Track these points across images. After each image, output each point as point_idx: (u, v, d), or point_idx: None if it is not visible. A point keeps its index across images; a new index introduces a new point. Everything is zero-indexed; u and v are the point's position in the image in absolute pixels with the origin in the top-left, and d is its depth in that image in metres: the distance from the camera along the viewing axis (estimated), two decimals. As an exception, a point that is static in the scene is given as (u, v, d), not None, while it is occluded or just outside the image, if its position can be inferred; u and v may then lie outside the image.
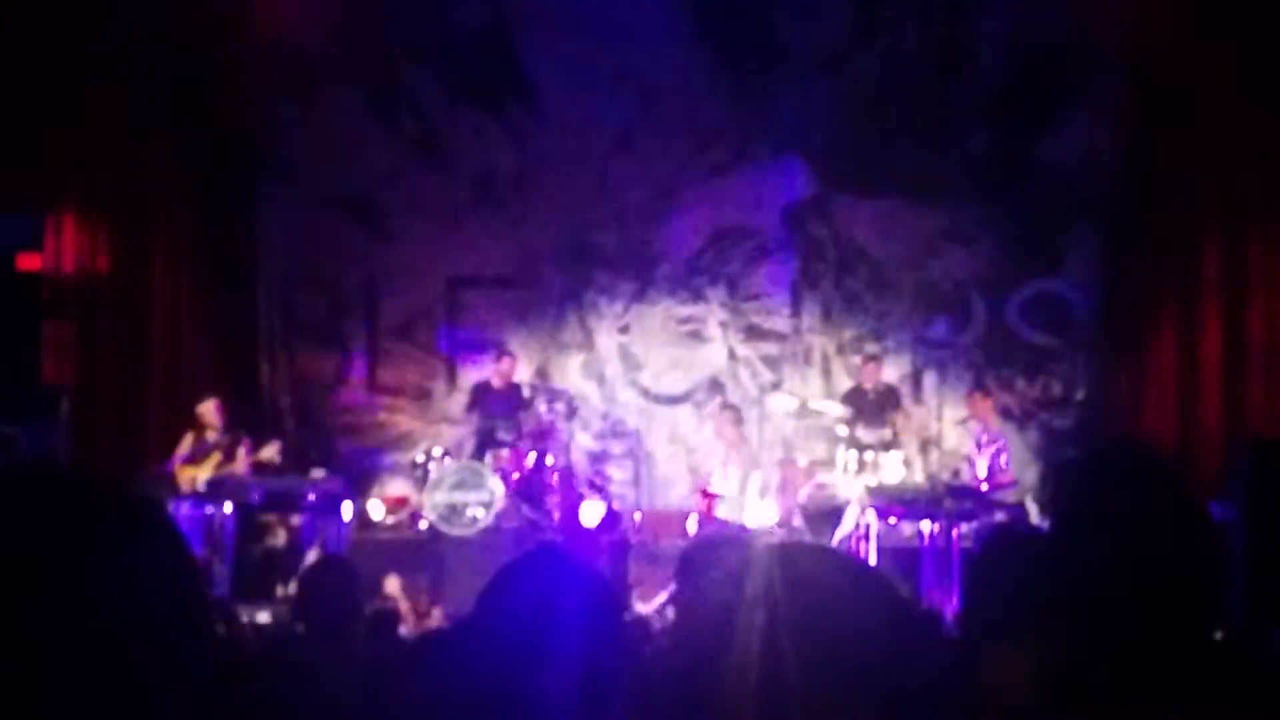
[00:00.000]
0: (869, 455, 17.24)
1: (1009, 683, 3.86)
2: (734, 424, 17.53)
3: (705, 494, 16.99)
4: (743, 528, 16.60)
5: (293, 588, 14.08)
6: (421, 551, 16.62)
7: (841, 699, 2.21)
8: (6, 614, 1.98)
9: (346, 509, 16.61)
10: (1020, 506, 16.10)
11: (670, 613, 9.61)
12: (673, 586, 6.50)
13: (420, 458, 17.79)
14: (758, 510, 16.91)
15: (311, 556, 14.57)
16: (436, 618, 14.33)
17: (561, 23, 19.23)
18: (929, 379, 18.99)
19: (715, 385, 19.26)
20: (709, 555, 5.54)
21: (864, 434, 17.57)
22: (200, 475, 16.30)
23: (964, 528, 15.54)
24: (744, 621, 2.23)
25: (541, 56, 19.31)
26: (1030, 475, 17.16)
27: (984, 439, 17.14)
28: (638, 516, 17.88)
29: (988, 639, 4.08)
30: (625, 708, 2.62)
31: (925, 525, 15.89)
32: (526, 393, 18.24)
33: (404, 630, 13.00)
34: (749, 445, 17.64)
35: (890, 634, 2.25)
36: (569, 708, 2.61)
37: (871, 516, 16.04)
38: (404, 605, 14.50)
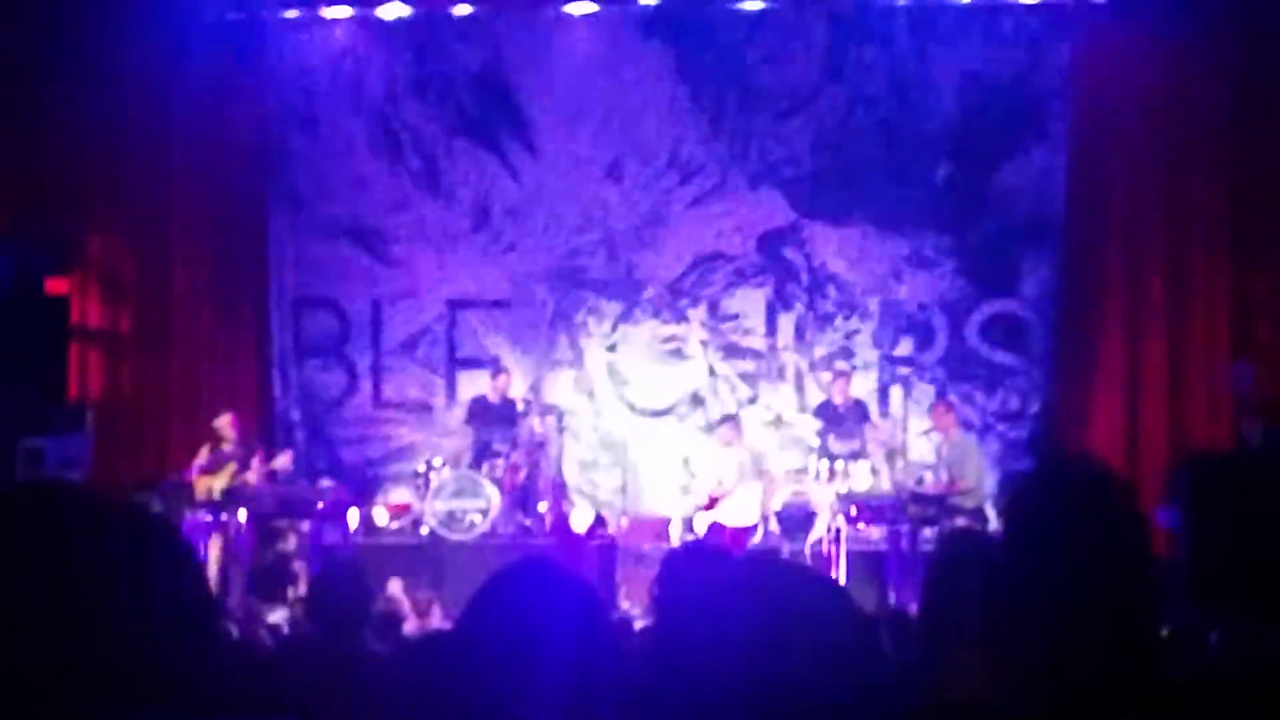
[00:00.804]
0: (839, 465, 17.25)
1: (967, 682, 3.86)
2: (737, 433, 17.63)
3: (711, 499, 17.05)
4: (720, 539, 16.62)
5: (303, 589, 14.09)
6: (422, 555, 16.59)
7: (813, 701, 2.21)
8: (21, 620, 1.97)
9: (353, 516, 16.60)
10: (980, 511, 16.11)
11: (649, 618, 9.60)
12: (654, 591, 6.48)
13: (421, 468, 17.76)
14: (746, 513, 16.98)
15: (320, 562, 14.59)
16: (437, 616, 14.32)
17: (553, 64, 19.27)
18: (895, 394, 18.98)
19: (696, 400, 19.26)
20: (688, 567, 5.54)
21: (835, 445, 17.58)
22: (216, 485, 16.30)
23: (927, 532, 15.54)
24: (722, 631, 2.23)
25: (535, 94, 19.33)
26: (989, 483, 17.15)
27: (943, 448, 17.17)
28: (624, 522, 17.86)
29: (945, 640, 4.08)
30: (612, 713, 2.61)
31: (891, 530, 15.90)
32: (520, 407, 18.23)
33: (407, 629, 12.99)
34: (748, 452, 17.68)
35: (857, 641, 2.26)
36: (556, 713, 2.60)
37: (841, 522, 16.05)
38: (406, 606, 14.48)
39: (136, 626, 2.00)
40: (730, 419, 17.99)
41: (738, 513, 17.05)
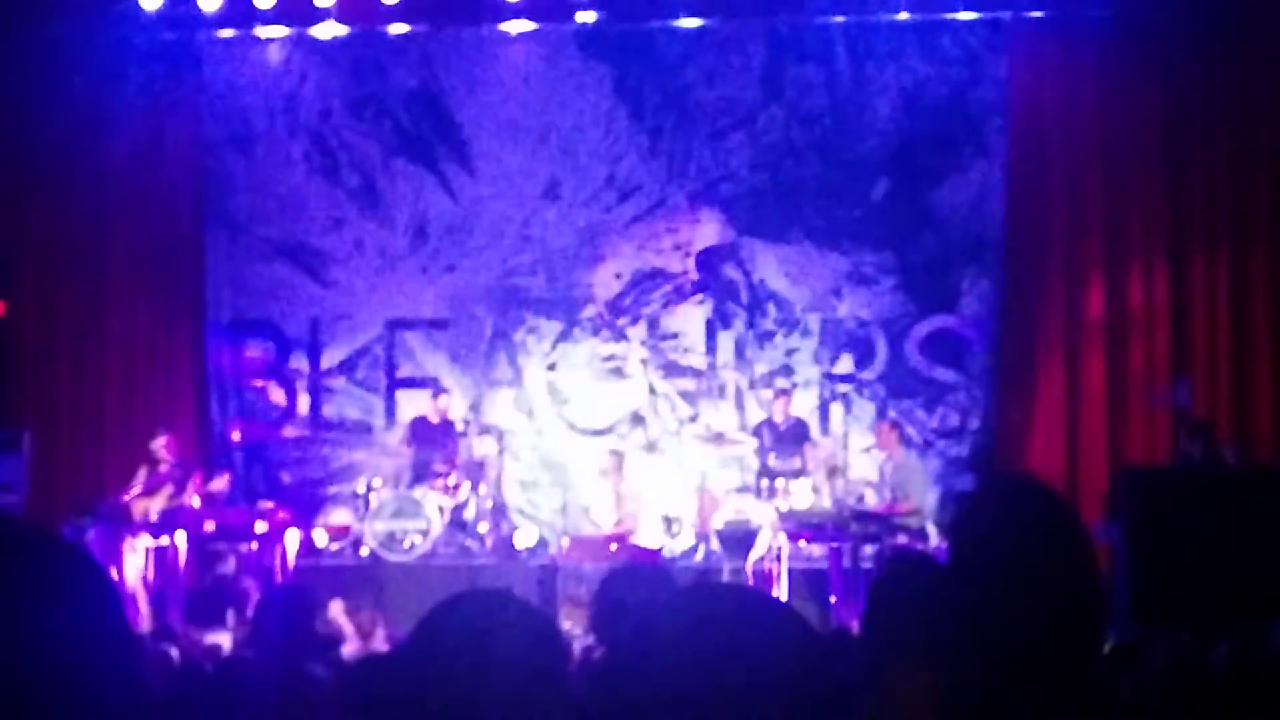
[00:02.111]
0: (780, 483, 17.28)
1: (910, 701, 3.89)
2: (617, 466, 17.66)
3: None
4: (658, 558, 16.69)
5: (245, 614, 14.03)
6: (363, 577, 16.56)
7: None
8: None
9: (292, 537, 16.54)
10: (921, 530, 16.18)
11: (588, 637, 9.60)
12: (591, 612, 6.49)
13: (361, 489, 17.73)
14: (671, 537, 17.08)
15: (259, 584, 14.53)
16: (380, 638, 14.27)
17: (490, 82, 19.28)
18: (836, 411, 19.04)
19: (636, 418, 19.28)
20: (626, 587, 5.55)
21: (775, 463, 17.61)
22: (154, 507, 16.23)
23: (869, 549, 15.59)
24: (662, 651, 2.24)
25: (472, 113, 19.34)
26: (930, 500, 17.22)
27: (887, 467, 17.24)
28: (565, 542, 17.85)
29: (889, 659, 4.11)
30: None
31: (833, 548, 15.94)
32: (460, 427, 18.23)
33: (347, 651, 12.94)
34: (628, 484, 17.74)
35: (799, 660, 2.26)
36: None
37: (783, 540, 16.08)
38: (348, 628, 14.43)
39: (46, 662, 1.96)
40: (616, 453, 18.01)
41: (645, 538, 17.18)
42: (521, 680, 2.60)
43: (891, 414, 18.45)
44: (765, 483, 17.35)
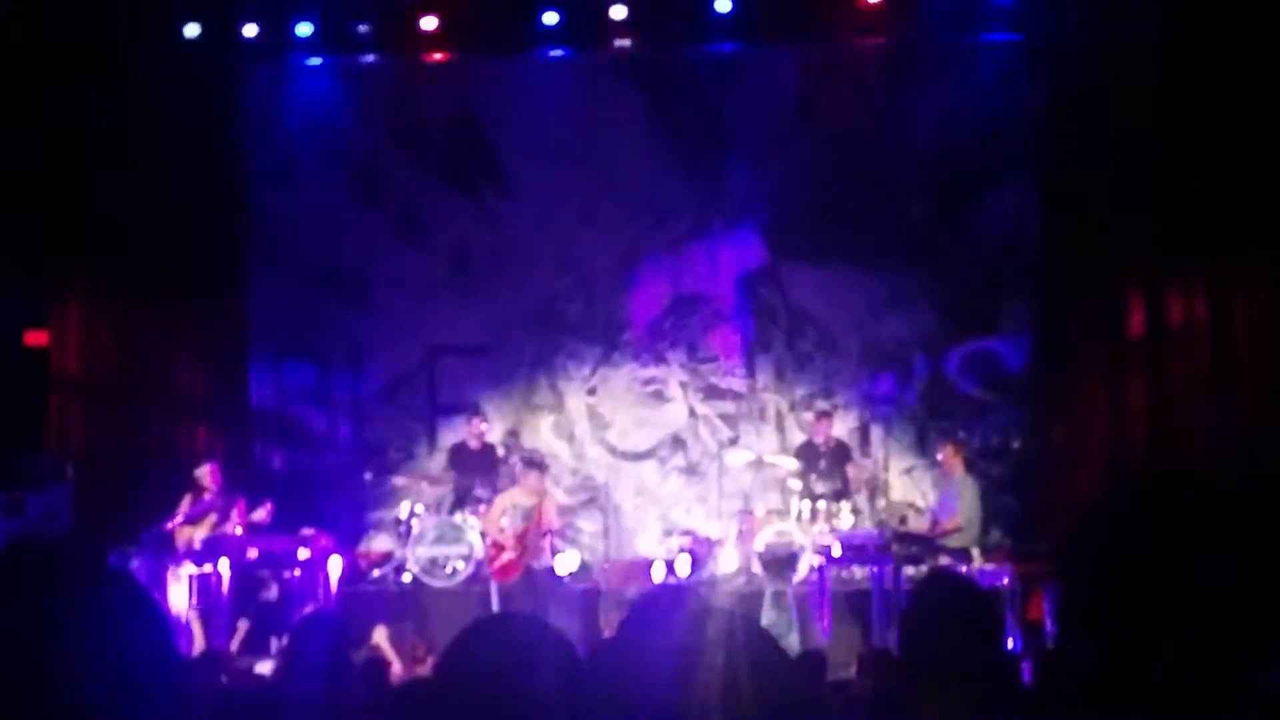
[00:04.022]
0: (822, 505, 17.28)
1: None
2: (538, 477, 17.42)
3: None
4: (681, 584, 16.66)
5: (285, 640, 14.05)
6: (406, 602, 16.62)
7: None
8: None
9: (335, 564, 16.58)
10: (964, 552, 16.11)
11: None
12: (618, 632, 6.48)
13: (403, 514, 17.76)
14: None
15: (304, 610, 14.56)
16: (429, 665, 14.28)
17: (528, 109, 19.32)
18: (876, 432, 19.03)
19: (677, 442, 19.29)
20: (654, 612, 5.56)
21: (817, 485, 17.60)
22: (198, 535, 16.28)
23: (911, 571, 15.54)
24: (704, 667, 2.26)
25: (510, 140, 19.40)
26: (977, 523, 17.14)
27: (942, 485, 17.20)
28: (606, 566, 17.86)
29: (923, 678, 4.13)
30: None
31: (875, 569, 15.91)
32: (501, 452, 18.27)
33: (395, 676, 12.98)
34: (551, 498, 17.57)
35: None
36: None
37: (824, 562, 16.06)
38: (391, 654, 14.45)
39: (95, 685, 1.99)
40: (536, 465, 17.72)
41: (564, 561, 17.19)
42: (546, 698, 2.62)
43: (935, 435, 18.40)
44: (807, 504, 17.34)
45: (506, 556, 16.52)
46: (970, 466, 17.62)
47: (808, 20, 18.82)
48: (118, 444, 18.57)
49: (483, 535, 16.81)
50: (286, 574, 16.53)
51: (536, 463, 17.32)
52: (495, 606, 15.92)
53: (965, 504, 16.80)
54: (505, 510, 16.64)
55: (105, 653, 1.99)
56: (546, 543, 16.72)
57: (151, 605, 2.14)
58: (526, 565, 16.50)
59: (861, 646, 14.80)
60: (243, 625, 16.01)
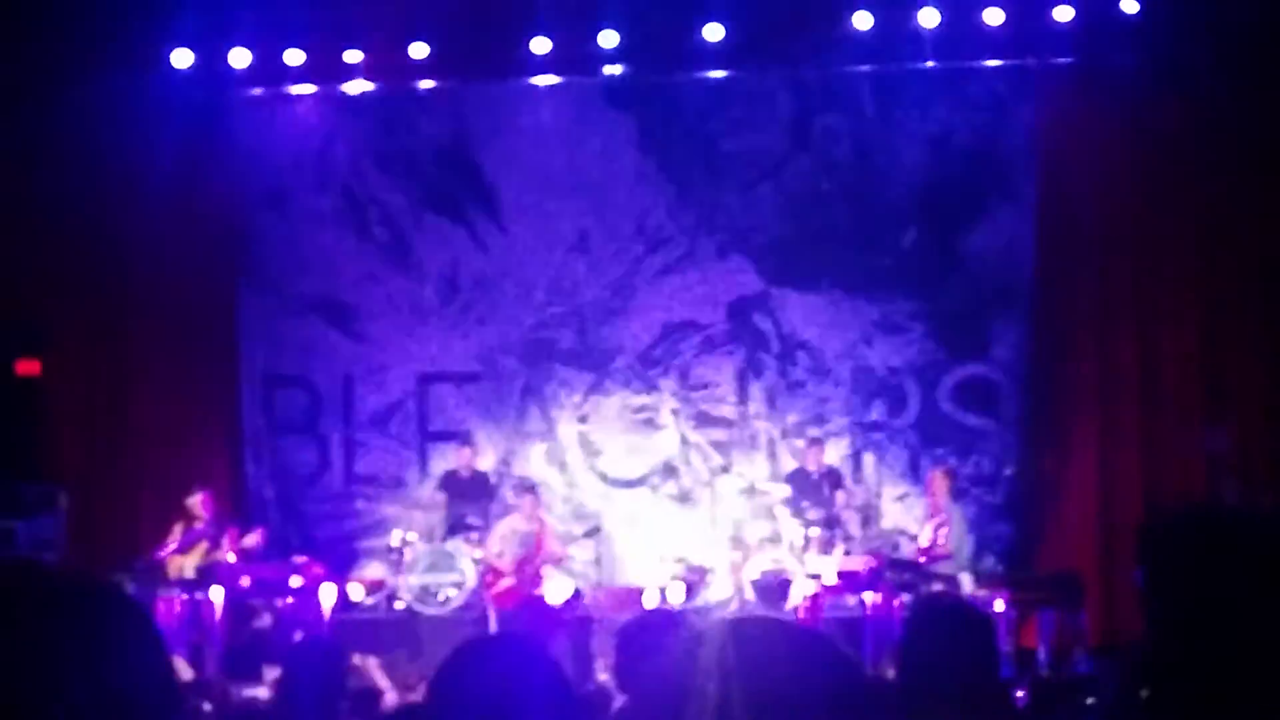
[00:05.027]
0: (814, 532, 17.29)
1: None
2: (533, 502, 17.49)
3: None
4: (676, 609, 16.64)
5: (278, 670, 14.04)
6: (398, 630, 16.62)
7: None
8: None
9: (327, 592, 16.58)
10: (954, 579, 16.14)
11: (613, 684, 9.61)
12: (614, 661, 6.55)
13: (395, 542, 17.74)
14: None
15: (296, 638, 14.55)
16: (421, 693, 14.27)
17: (518, 135, 19.35)
18: (868, 459, 19.04)
19: (669, 469, 19.29)
20: (648, 633, 5.59)
21: (809, 512, 17.60)
22: (189, 564, 16.28)
23: (905, 598, 15.57)
24: (697, 692, 2.28)
25: (501, 167, 19.41)
26: (965, 548, 17.16)
27: (931, 514, 17.22)
28: (599, 594, 17.87)
29: (922, 703, 4.15)
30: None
31: (868, 596, 15.94)
32: (493, 479, 18.29)
33: (387, 703, 12.99)
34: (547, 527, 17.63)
35: (840, 700, 2.30)
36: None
37: (817, 589, 16.07)
38: (383, 681, 14.46)
39: (93, 707, 1.99)
40: (530, 490, 17.88)
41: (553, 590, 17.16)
42: (532, 714, 2.64)
43: (927, 462, 18.44)
44: (799, 532, 17.35)
45: (505, 583, 16.57)
46: (958, 494, 17.66)
47: (799, 47, 18.87)
48: (109, 472, 18.56)
49: (475, 563, 16.83)
50: (279, 602, 16.54)
51: (529, 487, 17.39)
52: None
53: (954, 532, 16.84)
54: (504, 536, 16.69)
55: (101, 671, 2.00)
56: (546, 572, 16.80)
57: (148, 623, 2.15)
58: (527, 594, 16.55)
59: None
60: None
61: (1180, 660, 2.93)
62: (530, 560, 16.59)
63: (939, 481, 17.33)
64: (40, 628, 2.03)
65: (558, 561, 17.38)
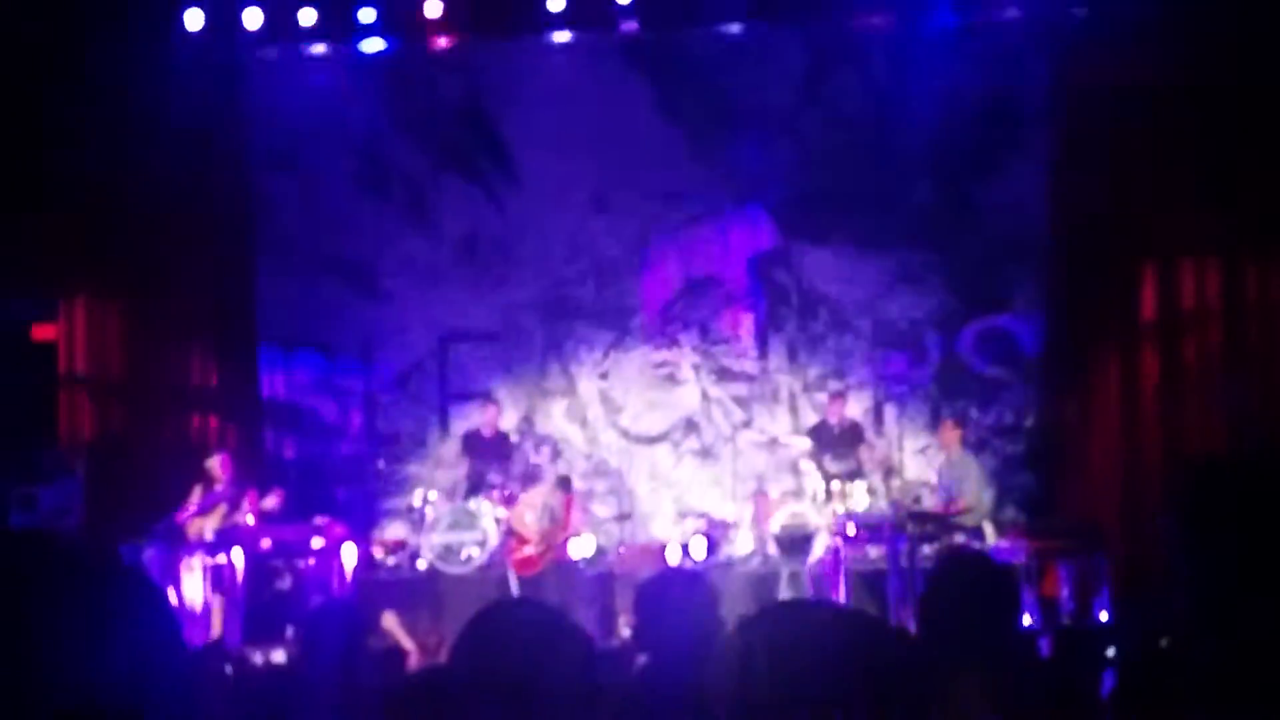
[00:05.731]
0: (836, 485, 17.24)
1: (967, 697, 3.85)
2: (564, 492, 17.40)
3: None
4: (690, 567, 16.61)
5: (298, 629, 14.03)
6: (421, 590, 16.60)
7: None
8: None
9: (349, 552, 16.55)
10: (977, 529, 16.08)
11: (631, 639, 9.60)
12: (634, 618, 6.50)
13: (417, 502, 17.74)
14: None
15: (317, 599, 14.54)
16: (443, 653, 14.27)
17: (534, 93, 19.25)
18: (889, 412, 18.99)
19: (690, 425, 19.25)
20: (666, 591, 5.52)
21: (831, 465, 17.56)
22: (209, 526, 16.24)
23: (927, 549, 15.52)
24: (716, 650, 2.22)
25: (517, 125, 19.33)
26: (988, 499, 17.08)
27: (944, 466, 17.15)
28: (622, 550, 17.85)
29: (944, 656, 4.07)
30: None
31: (891, 548, 15.88)
32: (514, 438, 18.23)
33: (412, 664, 12.97)
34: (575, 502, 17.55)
35: (865, 669, 2.24)
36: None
37: (840, 542, 16.02)
38: (405, 640, 14.44)
39: (104, 678, 1.96)
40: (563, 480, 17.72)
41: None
42: (560, 683, 2.58)
43: (959, 414, 18.36)
44: (821, 485, 17.32)
45: (529, 550, 16.52)
46: (969, 444, 17.59)
47: (813, 2, 18.77)
48: (127, 437, 18.53)
49: (498, 522, 16.79)
50: (300, 563, 16.52)
51: (563, 481, 17.33)
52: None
53: (970, 482, 16.76)
54: (533, 507, 16.65)
55: (114, 647, 1.96)
56: (571, 545, 16.80)
57: (160, 599, 2.11)
58: (551, 560, 16.50)
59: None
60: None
61: (1215, 613, 2.84)
62: (555, 534, 16.57)
63: (949, 432, 17.26)
64: (52, 603, 2.01)
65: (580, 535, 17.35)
